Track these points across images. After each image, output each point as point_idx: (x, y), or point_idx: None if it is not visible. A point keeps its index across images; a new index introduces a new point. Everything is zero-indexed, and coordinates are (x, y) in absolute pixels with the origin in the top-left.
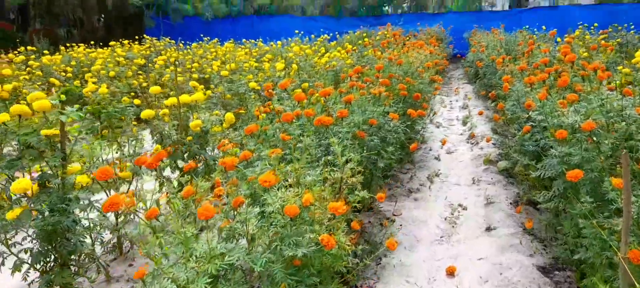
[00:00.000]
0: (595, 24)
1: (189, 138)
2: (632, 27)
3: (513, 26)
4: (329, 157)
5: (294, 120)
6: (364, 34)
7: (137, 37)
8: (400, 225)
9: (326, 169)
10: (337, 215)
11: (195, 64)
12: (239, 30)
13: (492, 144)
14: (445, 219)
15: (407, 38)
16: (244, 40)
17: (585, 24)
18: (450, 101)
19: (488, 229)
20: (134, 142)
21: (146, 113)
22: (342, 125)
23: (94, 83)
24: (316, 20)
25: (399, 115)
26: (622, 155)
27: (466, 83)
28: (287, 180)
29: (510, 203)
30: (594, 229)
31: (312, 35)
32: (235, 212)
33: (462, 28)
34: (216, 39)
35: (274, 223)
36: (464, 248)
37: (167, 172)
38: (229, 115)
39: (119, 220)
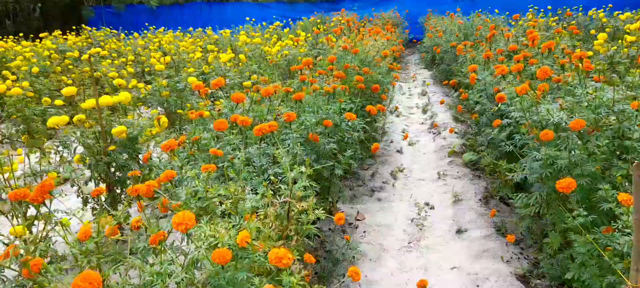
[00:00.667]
0: (549, 7)
1: (113, 147)
2: (581, 9)
3: (468, 9)
4: (278, 169)
5: (235, 126)
6: (319, 21)
7: (74, 27)
8: (364, 232)
9: (270, 191)
10: (282, 266)
11: (130, 57)
12: (188, 18)
13: (455, 134)
14: (412, 221)
15: (362, 24)
16: (190, 28)
17: (536, 7)
18: (409, 88)
19: (459, 231)
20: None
21: (53, 120)
22: (291, 129)
23: (13, 82)
24: (270, 7)
25: (357, 110)
26: (632, 166)
27: (423, 68)
28: (222, 205)
29: (480, 199)
30: (590, 246)
31: (264, 23)
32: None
33: (417, 12)
34: (162, 28)
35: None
36: (434, 256)
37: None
38: (163, 119)
39: None
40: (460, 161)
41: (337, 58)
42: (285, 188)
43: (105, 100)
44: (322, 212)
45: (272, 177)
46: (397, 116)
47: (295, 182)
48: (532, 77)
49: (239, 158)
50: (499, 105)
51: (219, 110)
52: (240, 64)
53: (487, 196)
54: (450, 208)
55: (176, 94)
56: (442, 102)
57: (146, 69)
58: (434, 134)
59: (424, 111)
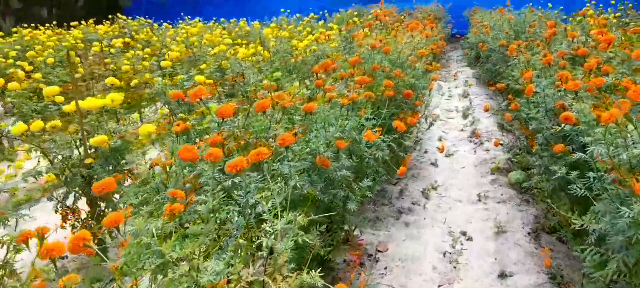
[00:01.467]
0: (612, 1)
1: (90, 160)
2: None
3: (518, 4)
4: (265, 215)
5: (205, 156)
6: (355, 13)
7: (110, 16)
8: (385, 267)
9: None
10: None
11: (147, 50)
12: (229, 8)
13: (501, 146)
14: (445, 255)
15: (402, 16)
16: (222, 19)
17: (594, 1)
18: (449, 88)
19: (502, 276)
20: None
21: (19, 127)
22: (292, 152)
23: (26, 73)
24: None
25: (385, 122)
26: None
27: (466, 66)
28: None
29: (528, 233)
30: None
31: (298, 15)
32: None
33: (462, 4)
34: (197, 19)
35: None
36: None
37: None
38: (148, 128)
39: None
40: (505, 180)
41: (364, 59)
42: (268, 243)
43: (90, 103)
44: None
45: (258, 234)
46: (434, 121)
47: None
48: (609, 89)
49: (204, 203)
50: (563, 126)
51: (193, 123)
52: (263, 59)
53: (537, 228)
54: (492, 242)
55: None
56: (486, 109)
57: (162, 63)
58: (475, 144)
59: (465, 116)
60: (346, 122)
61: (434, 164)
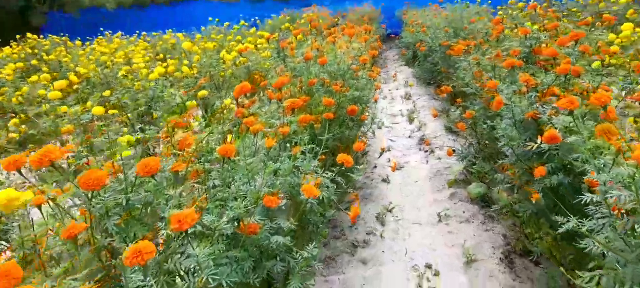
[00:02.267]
0: None
1: None
2: None
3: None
4: None
5: None
6: (288, 18)
7: (18, 36)
8: None
9: None
10: None
11: (46, 75)
12: (148, 20)
13: (454, 154)
14: None
15: (336, 19)
16: (144, 33)
17: None
18: (390, 90)
19: None
20: None
21: None
22: (202, 227)
23: None
24: (238, 5)
25: (327, 154)
26: None
27: (403, 65)
28: None
29: (501, 259)
30: None
31: (227, 24)
32: None
33: (393, 5)
34: (119, 33)
35: None
36: None
37: None
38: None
39: None
40: (464, 194)
41: (296, 72)
42: None
43: None
44: None
45: None
46: (379, 127)
47: None
48: (582, 94)
49: None
50: (539, 143)
51: None
52: (187, 75)
53: (509, 252)
54: (462, 275)
55: (82, 128)
56: (435, 115)
57: (49, 94)
58: (425, 152)
59: (410, 119)
60: (278, 165)
61: (386, 180)
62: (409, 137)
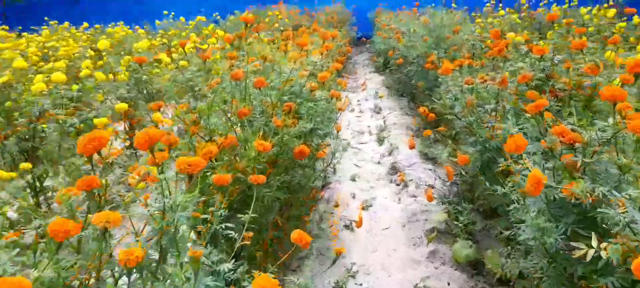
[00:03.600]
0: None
1: None
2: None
3: (422, 3)
4: None
5: None
6: (251, 16)
7: None
8: None
9: None
10: None
11: None
12: (114, 7)
13: (433, 194)
14: None
15: (303, 19)
16: (85, 24)
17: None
18: (358, 101)
19: None
20: None
21: None
22: None
23: None
24: None
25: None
26: None
27: (374, 72)
28: None
29: None
30: None
31: (182, 19)
32: None
33: (366, 6)
34: (67, 23)
35: None
36: None
37: None
38: None
39: None
40: (447, 254)
41: (219, 96)
42: None
43: None
44: None
45: None
46: (344, 149)
47: None
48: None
49: None
50: (598, 250)
51: None
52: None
53: None
54: None
55: None
56: (411, 146)
57: None
58: (397, 185)
59: (380, 140)
60: None
61: (349, 227)
62: (378, 162)
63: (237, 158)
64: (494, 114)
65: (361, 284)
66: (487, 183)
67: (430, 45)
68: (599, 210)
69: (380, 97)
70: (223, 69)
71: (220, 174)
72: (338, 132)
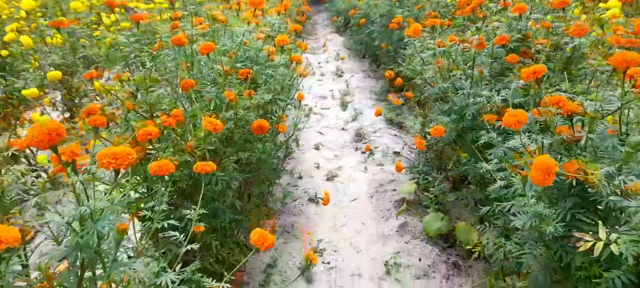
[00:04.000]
0: None
1: None
2: None
3: None
4: None
5: None
6: None
7: None
8: None
9: None
10: None
11: None
12: None
13: (403, 161)
14: None
15: None
16: None
17: None
18: (319, 63)
19: None
20: None
21: None
22: None
23: None
24: None
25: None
26: None
27: (334, 33)
28: None
29: None
30: None
31: None
32: None
33: None
34: None
35: None
36: None
37: None
38: None
39: None
40: (417, 227)
41: (163, 66)
42: None
43: None
44: None
45: None
46: (307, 115)
47: None
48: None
49: None
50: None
51: None
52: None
53: None
54: None
55: None
56: (378, 113)
57: None
58: (363, 153)
59: (344, 105)
60: None
61: (314, 201)
62: (343, 129)
63: (187, 137)
64: (468, 80)
65: (329, 262)
66: (464, 157)
67: (393, 4)
68: (611, 198)
69: (341, 58)
70: (165, 32)
71: (160, 161)
72: (300, 100)
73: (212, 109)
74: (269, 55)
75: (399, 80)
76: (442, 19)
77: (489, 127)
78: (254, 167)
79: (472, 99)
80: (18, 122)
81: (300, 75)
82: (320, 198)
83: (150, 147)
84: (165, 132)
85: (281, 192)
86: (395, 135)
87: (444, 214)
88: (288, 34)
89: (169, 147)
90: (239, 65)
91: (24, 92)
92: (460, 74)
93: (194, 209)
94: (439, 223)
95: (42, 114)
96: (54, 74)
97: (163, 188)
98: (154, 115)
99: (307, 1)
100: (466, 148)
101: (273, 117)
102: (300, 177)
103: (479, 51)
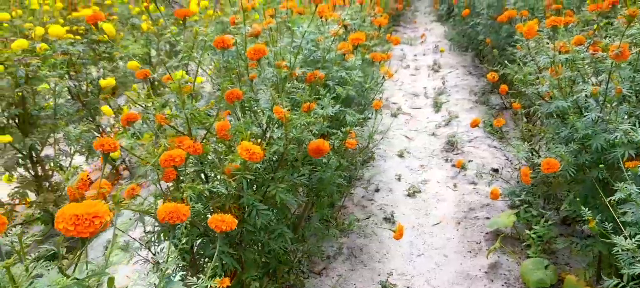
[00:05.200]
0: None
1: None
2: None
3: None
4: None
5: None
6: None
7: None
8: None
9: None
10: None
11: None
12: None
13: (499, 179)
14: None
15: None
16: None
17: None
18: (415, 56)
19: None
20: None
21: None
22: None
23: None
24: None
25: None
26: None
27: (435, 22)
28: None
29: None
30: None
31: None
32: None
33: None
34: None
35: None
36: None
37: None
38: None
39: None
40: (512, 269)
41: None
42: None
43: None
44: None
45: None
46: (394, 115)
47: None
48: None
49: None
50: None
51: None
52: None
53: None
54: None
55: None
56: (475, 124)
57: None
58: (453, 166)
59: (437, 105)
60: None
61: (389, 220)
62: (433, 134)
63: (223, 161)
64: (600, 99)
65: None
66: (582, 206)
67: None
68: None
69: (441, 51)
70: (206, 31)
71: (169, 205)
72: (377, 109)
73: (266, 123)
74: (344, 56)
75: (503, 87)
76: (564, 15)
77: (628, 174)
78: (315, 186)
79: (602, 126)
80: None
81: (388, 76)
82: (396, 219)
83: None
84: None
85: (353, 205)
86: (495, 147)
87: (549, 259)
88: (378, 29)
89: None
90: (299, 71)
91: (102, 82)
92: (588, 90)
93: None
94: (542, 273)
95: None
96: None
97: (176, 240)
98: (191, 133)
99: None
100: (586, 190)
101: (340, 132)
102: (377, 190)
103: (619, 63)
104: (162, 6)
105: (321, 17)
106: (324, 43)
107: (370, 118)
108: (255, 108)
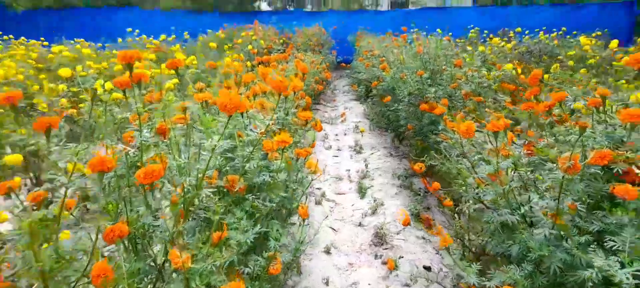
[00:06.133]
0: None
1: None
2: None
3: (399, 27)
4: None
5: None
6: (222, 36)
7: None
8: None
9: None
10: None
11: None
12: (70, 25)
13: (435, 280)
14: None
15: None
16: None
17: (476, 27)
18: (336, 135)
19: None
20: None
21: None
22: None
23: None
24: (173, 16)
25: None
26: None
27: (354, 101)
28: None
29: None
30: None
31: (144, 36)
32: None
33: (345, 30)
34: (22, 38)
35: None
36: None
37: None
38: None
39: None
40: None
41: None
42: None
43: None
44: None
45: None
46: (318, 203)
47: None
48: None
49: None
50: None
51: None
52: None
53: None
54: None
55: None
56: (406, 223)
57: None
58: (384, 263)
59: (362, 191)
60: None
61: None
62: (360, 224)
63: None
64: (549, 213)
65: None
66: None
67: (425, 81)
68: None
69: (361, 131)
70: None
71: None
72: (304, 219)
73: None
74: (267, 155)
75: (436, 184)
76: (487, 103)
77: None
78: None
79: (556, 244)
80: None
81: (314, 173)
82: None
83: None
84: None
85: None
86: (423, 239)
87: None
88: (304, 124)
89: None
90: (206, 192)
91: None
92: (537, 200)
93: None
94: None
95: None
96: (12, 158)
97: None
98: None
99: (328, 67)
100: None
101: (261, 259)
102: None
103: (570, 176)
104: None
105: (242, 113)
106: (244, 150)
107: (294, 223)
108: (151, 236)
